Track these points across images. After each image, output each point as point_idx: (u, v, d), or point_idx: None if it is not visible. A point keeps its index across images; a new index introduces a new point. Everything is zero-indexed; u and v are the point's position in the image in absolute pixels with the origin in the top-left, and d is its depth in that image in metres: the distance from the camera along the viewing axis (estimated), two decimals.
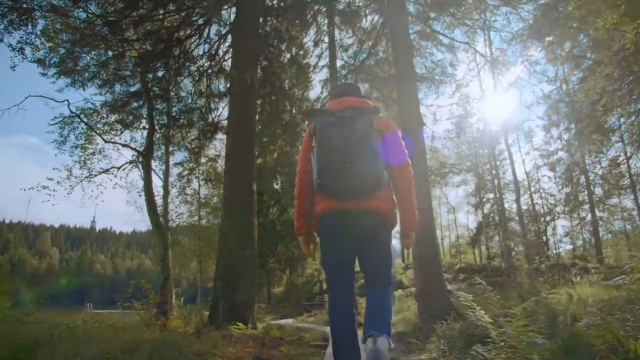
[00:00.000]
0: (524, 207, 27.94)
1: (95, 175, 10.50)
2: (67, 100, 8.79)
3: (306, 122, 12.58)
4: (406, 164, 2.32)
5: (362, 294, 2.60)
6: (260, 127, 15.36)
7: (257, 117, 12.75)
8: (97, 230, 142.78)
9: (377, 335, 1.93)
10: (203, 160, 13.86)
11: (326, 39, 14.70)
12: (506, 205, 24.63)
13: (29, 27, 7.99)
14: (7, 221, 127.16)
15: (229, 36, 9.84)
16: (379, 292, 2.21)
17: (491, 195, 28.73)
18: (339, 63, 14.94)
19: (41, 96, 8.66)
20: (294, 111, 12.55)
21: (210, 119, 11.06)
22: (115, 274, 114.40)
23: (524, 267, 11.32)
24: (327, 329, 8.15)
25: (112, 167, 10.42)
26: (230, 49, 9.64)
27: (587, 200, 24.56)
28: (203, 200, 21.40)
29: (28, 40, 8.11)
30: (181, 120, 11.09)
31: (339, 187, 2.08)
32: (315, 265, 22.70)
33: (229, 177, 7.53)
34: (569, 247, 29.59)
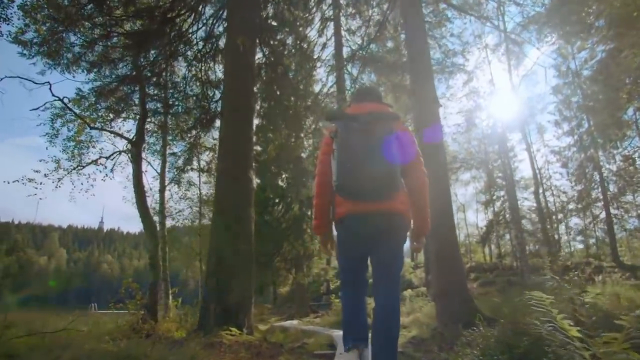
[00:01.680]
0: (535, 204, 27.20)
1: (84, 167, 9.81)
2: (49, 82, 7.97)
3: (311, 117, 11.92)
4: (421, 172, 2.35)
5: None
6: (263, 120, 14.69)
7: (258, 107, 12.13)
8: (105, 230, 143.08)
9: None
10: (201, 151, 13.08)
11: (331, 27, 14.04)
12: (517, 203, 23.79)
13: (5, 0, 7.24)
14: (15, 222, 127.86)
15: (225, 14, 9.05)
16: (388, 296, 2.25)
17: (502, 193, 28.09)
18: (345, 51, 14.26)
19: (18, 77, 7.85)
20: (298, 103, 11.76)
21: (206, 106, 10.26)
22: (122, 274, 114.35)
23: (547, 264, 10.45)
24: (334, 333, 7.37)
25: (100, 157, 9.71)
26: (226, 33, 8.86)
27: (600, 198, 23.74)
28: (205, 198, 20.66)
29: (3, 15, 7.36)
30: (175, 107, 10.32)
31: (359, 189, 2.14)
32: (322, 265, 21.95)
33: (223, 162, 6.70)
34: (580, 246, 28.78)
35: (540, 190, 27.05)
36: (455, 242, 7.03)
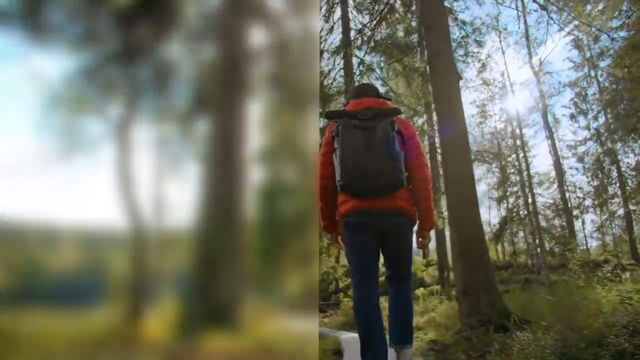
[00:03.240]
0: (550, 200, 26.38)
1: (67, 155, 9.08)
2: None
3: (317, 103, 11.23)
4: (423, 165, 2.37)
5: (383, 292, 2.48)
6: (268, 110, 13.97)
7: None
8: None
9: (400, 348, 2.19)
10: (197, 133, 12.35)
11: (338, 12, 13.35)
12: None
13: None
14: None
15: None
16: (400, 288, 2.36)
17: (515, 189, 27.37)
18: (352, 35, 13.56)
19: None
20: (303, 88, 10.99)
21: (202, 88, 9.47)
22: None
23: (577, 260, 9.55)
24: (342, 336, 6.58)
25: (84, 144, 8.96)
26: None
27: (618, 194, 22.98)
28: None
29: None
30: (168, 89, 9.53)
31: (363, 187, 2.17)
32: (330, 263, 21.27)
33: (209, 131, 5.84)
34: (595, 243, 27.94)
35: (555, 186, 26.27)
36: (482, 234, 6.12)
